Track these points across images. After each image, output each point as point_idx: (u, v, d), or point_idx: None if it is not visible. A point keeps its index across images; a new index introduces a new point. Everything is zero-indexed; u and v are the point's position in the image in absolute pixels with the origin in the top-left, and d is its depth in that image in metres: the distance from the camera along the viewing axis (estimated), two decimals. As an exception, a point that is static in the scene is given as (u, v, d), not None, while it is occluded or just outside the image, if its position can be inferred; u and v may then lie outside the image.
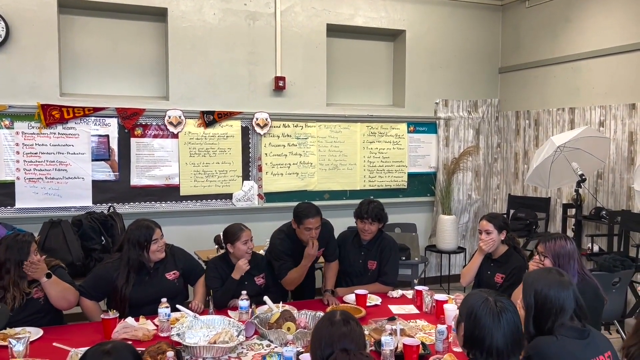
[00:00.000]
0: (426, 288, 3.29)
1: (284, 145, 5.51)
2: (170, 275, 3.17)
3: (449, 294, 3.42)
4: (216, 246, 4.33)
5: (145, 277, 3.08)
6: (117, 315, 2.74)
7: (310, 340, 1.87)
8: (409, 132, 6.07)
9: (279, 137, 5.48)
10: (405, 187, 6.09)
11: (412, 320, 2.96)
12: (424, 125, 6.15)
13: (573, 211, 5.18)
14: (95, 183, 4.83)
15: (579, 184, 4.82)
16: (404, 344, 2.39)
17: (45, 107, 4.61)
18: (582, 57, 5.39)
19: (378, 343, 2.40)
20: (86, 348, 2.31)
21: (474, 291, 1.91)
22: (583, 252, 4.99)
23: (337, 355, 1.69)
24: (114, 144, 4.89)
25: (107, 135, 4.87)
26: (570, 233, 5.20)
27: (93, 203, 4.80)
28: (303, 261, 3.39)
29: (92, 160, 4.82)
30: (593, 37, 5.28)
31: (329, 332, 1.78)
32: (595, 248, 4.98)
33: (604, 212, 4.98)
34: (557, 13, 5.67)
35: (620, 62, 5.02)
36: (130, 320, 2.80)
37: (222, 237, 3.43)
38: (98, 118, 4.83)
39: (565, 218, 5.40)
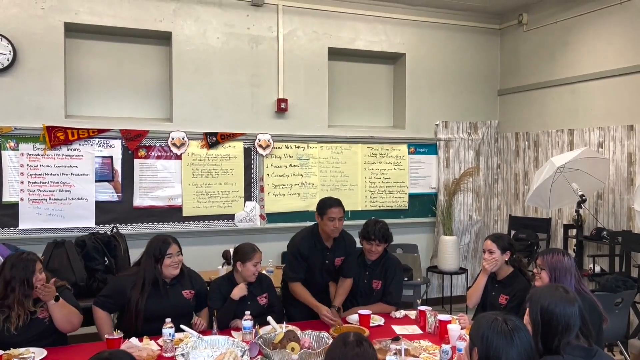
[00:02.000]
0: (429, 308, 3.29)
1: (286, 166, 5.55)
2: (187, 294, 3.20)
3: (451, 314, 3.42)
4: (223, 261, 4.34)
5: (162, 291, 3.11)
6: (122, 335, 2.75)
7: None
8: (409, 153, 6.12)
9: (280, 158, 5.52)
10: (406, 207, 6.12)
11: (415, 341, 2.96)
12: (425, 147, 6.21)
13: (574, 232, 5.19)
14: (98, 204, 4.86)
15: (579, 205, 4.84)
16: (408, 364, 2.39)
17: (50, 129, 4.66)
18: (580, 79, 5.47)
19: (383, 363, 2.40)
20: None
21: (482, 314, 1.91)
22: (585, 272, 4.99)
23: None
24: (117, 165, 4.94)
25: (111, 157, 4.91)
26: (571, 253, 5.20)
27: (96, 224, 4.83)
28: (312, 304, 3.43)
29: (96, 181, 4.86)
30: (591, 59, 5.37)
31: (342, 352, 1.80)
32: (597, 269, 4.98)
33: (604, 233, 4.99)
34: (555, 36, 5.77)
35: (618, 85, 5.10)
36: (134, 340, 2.80)
37: (232, 254, 3.44)
38: (102, 139, 4.88)
39: (567, 238, 5.42)
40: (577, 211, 4.91)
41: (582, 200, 4.76)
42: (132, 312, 3.03)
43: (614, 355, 4.36)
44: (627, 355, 4.13)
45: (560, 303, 2.05)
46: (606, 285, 4.12)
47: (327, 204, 3.50)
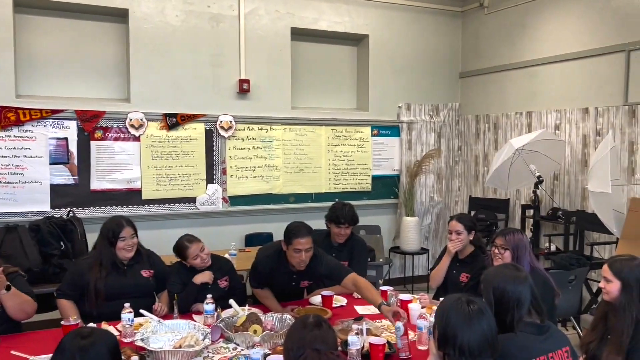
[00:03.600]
0: (391, 288, 3.33)
1: (249, 149, 5.49)
2: (145, 273, 3.18)
3: (413, 294, 3.47)
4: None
5: (120, 271, 3.10)
6: (79, 321, 2.68)
7: (284, 343, 1.90)
8: (372, 135, 6.14)
9: (243, 140, 5.45)
10: (370, 189, 6.15)
11: (377, 320, 2.99)
12: (388, 129, 6.24)
13: (531, 212, 5.34)
14: (53, 187, 4.70)
15: (536, 185, 4.97)
16: (370, 344, 2.41)
17: (0, 109, 4.46)
18: (538, 62, 5.58)
19: (345, 343, 2.42)
20: (45, 356, 2.26)
21: (450, 295, 1.94)
22: (541, 251, 5.15)
23: (307, 354, 1.73)
24: (73, 147, 4.77)
25: (66, 138, 4.74)
26: (528, 233, 5.36)
27: (51, 208, 4.67)
28: (275, 309, 3.11)
29: (50, 164, 4.69)
30: (548, 43, 5.47)
31: (301, 334, 1.82)
32: (552, 247, 5.14)
33: (560, 213, 5.15)
34: (515, 20, 5.85)
35: (574, 68, 5.22)
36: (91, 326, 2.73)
37: None
38: (56, 120, 4.70)
39: (524, 218, 5.57)
40: (534, 192, 5.04)
41: (539, 181, 4.89)
42: (92, 294, 2.99)
43: (567, 330, 4.53)
44: (579, 330, 4.29)
45: (510, 281, 2.11)
46: (560, 263, 4.26)
47: (293, 233, 3.03)
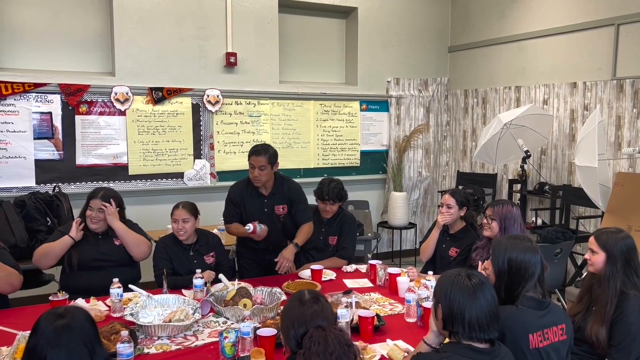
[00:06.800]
0: (379, 262, 3.36)
1: (237, 123, 5.43)
2: (118, 241, 3.17)
3: (401, 267, 3.50)
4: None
5: (92, 240, 3.11)
6: (67, 297, 2.67)
7: (281, 322, 1.84)
8: (361, 110, 6.11)
9: (231, 114, 5.39)
10: (358, 164, 6.15)
11: (366, 294, 3.02)
12: (376, 104, 6.20)
13: (518, 186, 5.38)
14: (38, 162, 4.63)
15: (524, 160, 4.99)
16: (359, 316, 2.43)
17: (-20, 83, 4.36)
18: (527, 36, 5.55)
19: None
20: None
21: (446, 272, 1.90)
22: (528, 225, 5.20)
23: (312, 333, 1.67)
24: (57, 122, 4.69)
25: (50, 113, 4.66)
26: (515, 207, 5.39)
27: (36, 183, 4.62)
28: (247, 234, 3.36)
29: (35, 139, 4.61)
30: (538, 17, 5.44)
31: (300, 311, 1.76)
32: (539, 221, 5.20)
33: (547, 187, 5.19)
34: (505, -7, 5.80)
35: (563, 43, 5.20)
36: (80, 301, 2.73)
37: None
38: (39, 94, 4.61)
39: (511, 193, 5.61)
40: (521, 166, 5.06)
41: (527, 156, 4.91)
42: (64, 263, 3.03)
43: (552, 302, 4.60)
44: (564, 302, 4.37)
45: (527, 252, 2.11)
46: (547, 236, 4.30)
47: (252, 151, 3.36)
